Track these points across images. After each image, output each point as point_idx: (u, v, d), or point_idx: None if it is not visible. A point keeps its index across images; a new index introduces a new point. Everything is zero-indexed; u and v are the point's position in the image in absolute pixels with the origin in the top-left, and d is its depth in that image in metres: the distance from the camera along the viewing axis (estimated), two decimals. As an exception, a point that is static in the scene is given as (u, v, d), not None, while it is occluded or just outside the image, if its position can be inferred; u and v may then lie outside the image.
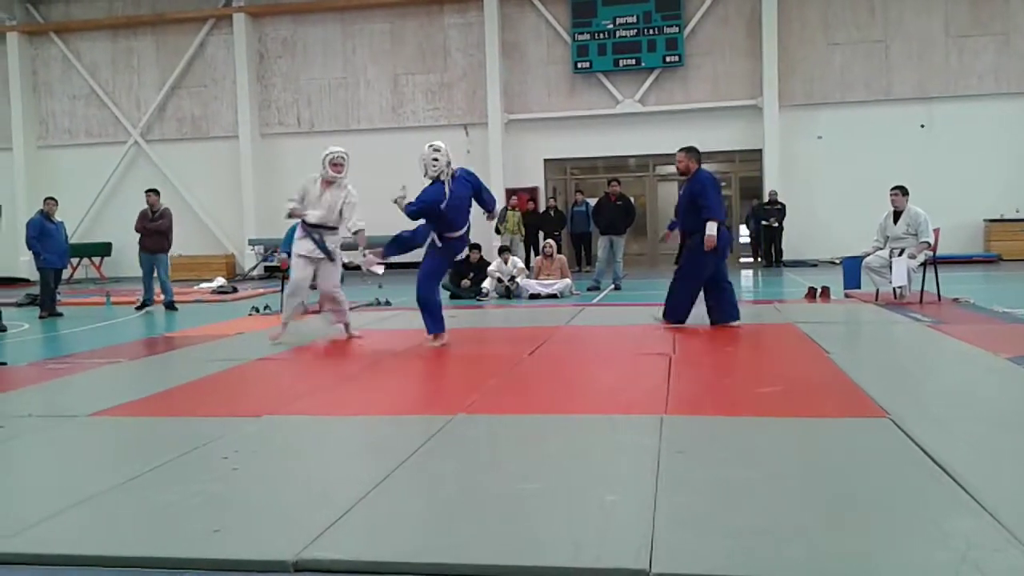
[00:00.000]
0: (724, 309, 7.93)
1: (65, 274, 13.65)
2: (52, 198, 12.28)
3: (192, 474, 3.59)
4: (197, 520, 2.99)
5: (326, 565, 2.56)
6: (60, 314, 11.81)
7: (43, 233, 11.77)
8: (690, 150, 7.99)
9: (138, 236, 12.45)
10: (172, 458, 3.77)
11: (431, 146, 7.13)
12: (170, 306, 12.27)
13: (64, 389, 5.88)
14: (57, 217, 12.10)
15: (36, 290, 12.67)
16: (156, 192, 12.90)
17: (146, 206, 12.57)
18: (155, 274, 12.40)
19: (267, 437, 4.26)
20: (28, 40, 22.15)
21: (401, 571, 2.52)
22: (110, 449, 4.25)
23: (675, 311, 8.01)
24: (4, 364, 7.15)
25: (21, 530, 2.91)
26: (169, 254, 12.78)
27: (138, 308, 12.15)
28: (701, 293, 7.96)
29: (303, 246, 7.67)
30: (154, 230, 12.38)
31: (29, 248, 12.02)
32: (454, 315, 9.98)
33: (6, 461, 4.04)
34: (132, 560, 2.65)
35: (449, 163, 7.09)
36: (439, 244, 7.24)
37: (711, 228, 7.58)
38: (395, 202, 7.10)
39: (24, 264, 18.92)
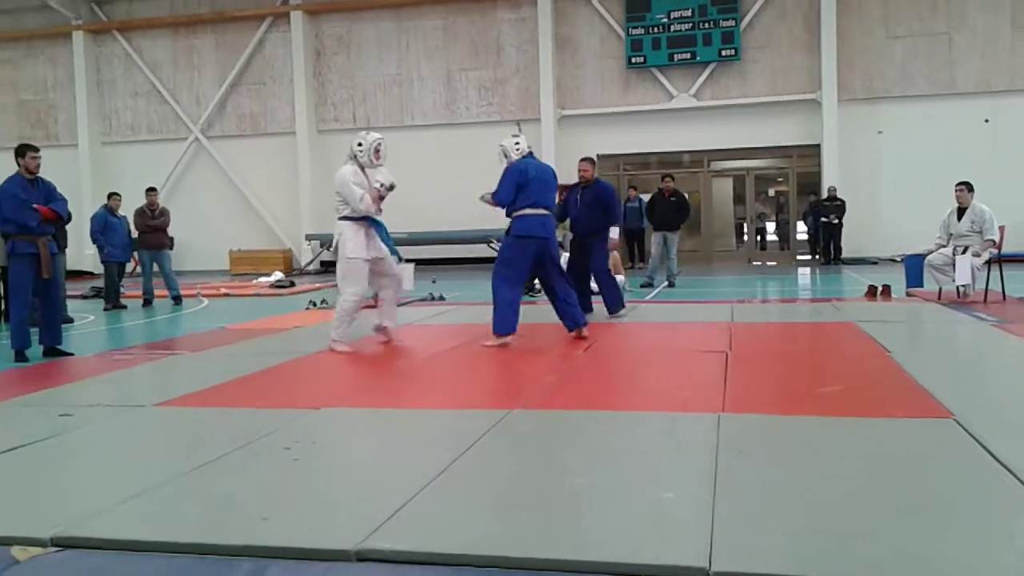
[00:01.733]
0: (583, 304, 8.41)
1: (128, 267, 13.97)
2: (116, 193, 12.62)
3: (255, 464, 3.66)
4: (261, 508, 3.05)
5: (387, 555, 2.59)
6: (124, 306, 12.13)
7: (107, 227, 12.10)
8: (593, 161, 8.97)
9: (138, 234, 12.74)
10: (235, 448, 3.85)
11: (513, 135, 7.47)
12: (177, 300, 12.58)
13: (129, 379, 6.05)
14: (120, 212, 12.43)
15: (101, 283, 13.04)
16: (155, 191, 13.30)
17: (144, 204, 12.86)
18: (155, 270, 12.69)
19: (326, 429, 4.32)
20: (92, 38, 22.74)
21: (460, 563, 2.54)
22: (175, 438, 4.36)
23: (617, 299, 8.77)
24: (71, 355, 7.37)
25: (91, 516, 3.00)
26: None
27: (144, 304, 12.44)
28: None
29: (370, 247, 7.01)
30: (155, 227, 12.66)
31: (93, 242, 12.38)
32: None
33: (77, 449, 4.17)
34: (198, 547, 2.71)
35: (530, 150, 7.39)
36: (513, 230, 7.05)
37: (616, 232, 8.76)
38: (482, 199, 7.29)
39: (89, 258, 19.49)
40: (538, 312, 10.24)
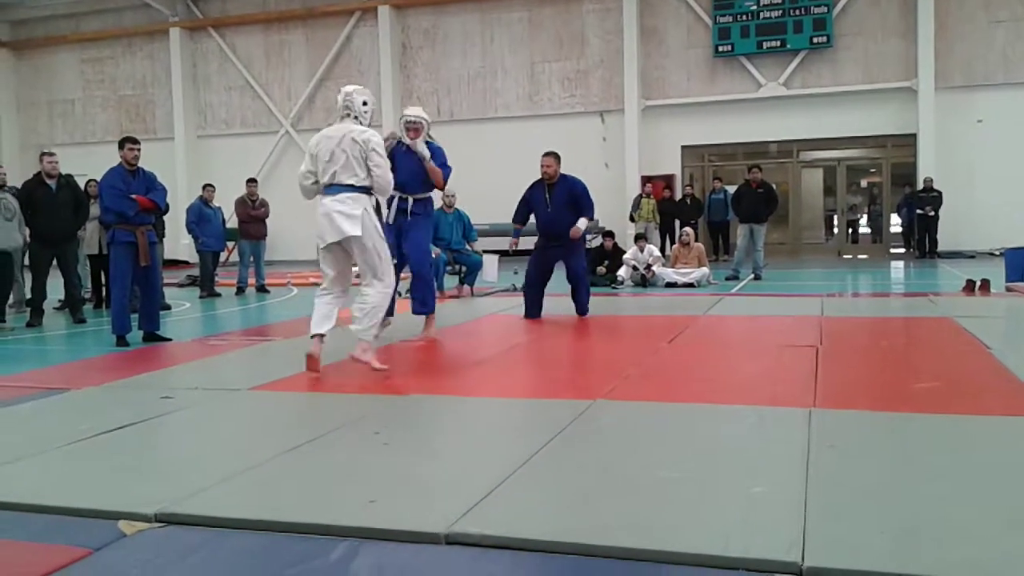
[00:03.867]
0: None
1: (222, 256, 14.48)
2: (210, 185, 13.03)
3: (346, 447, 3.74)
4: (353, 490, 3.13)
5: (476, 539, 2.62)
6: (218, 294, 12.53)
7: (201, 218, 12.51)
8: (557, 156, 8.28)
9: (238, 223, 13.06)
10: (327, 431, 3.95)
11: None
12: (262, 289, 12.90)
13: (225, 364, 6.26)
14: (215, 203, 12.83)
15: (196, 271, 13.50)
16: (255, 182, 13.60)
17: (244, 194, 13.16)
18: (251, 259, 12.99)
19: (414, 414, 4.40)
20: (188, 35, 23.48)
21: (548, 550, 2.55)
22: (270, 421, 4.49)
23: (587, 302, 8.38)
24: (169, 340, 7.65)
25: (193, 493, 3.12)
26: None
27: (238, 292, 12.76)
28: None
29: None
30: (256, 217, 12.96)
31: (189, 232, 12.80)
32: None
33: (178, 430, 4.34)
34: (293, 525, 2.79)
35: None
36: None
37: (584, 223, 8.14)
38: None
39: (184, 247, 20.16)
40: (615, 304, 10.18)
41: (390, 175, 5.72)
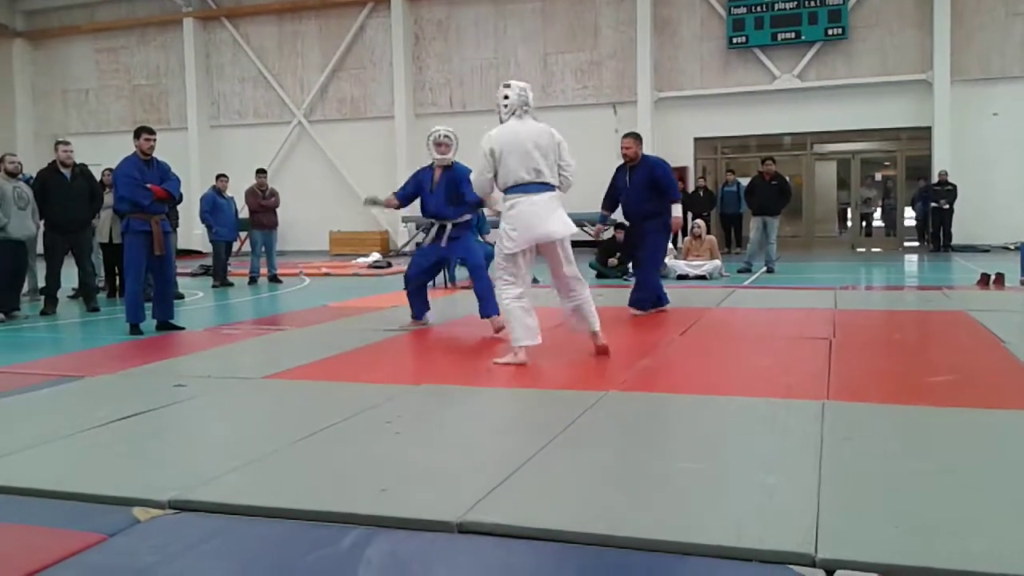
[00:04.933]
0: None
1: (235, 247, 14.52)
2: (223, 175, 13.07)
3: (359, 436, 3.76)
4: (366, 479, 3.14)
5: (488, 528, 2.63)
6: (231, 284, 12.58)
7: (215, 208, 12.55)
8: (638, 136, 8.04)
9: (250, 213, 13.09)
10: (339, 420, 3.96)
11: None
12: (274, 279, 12.91)
13: (238, 353, 6.28)
14: (228, 193, 12.86)
15: (209, 261, 13.55)
16: (265, 172, 13.74)
17: (254, 184, 13.21)
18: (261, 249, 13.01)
19: (426, 404, 4.40)
20: (202, 25, 23.51)
21: (561, 539, 2.55)
22: (282, 409, 4.51)
23: (651, 297, 7.92)
24: (183, 329, 7.69)
25: (206, 480, 3.14)
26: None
27: (250, 282, 12.79)
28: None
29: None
30: (267, 207, 12.99)
31: (202, 221, 12.84)
32: (600, 294, 9.96)
33: (191, 417, 4.36)
34: (305, 513, 2.81)
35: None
36: None
37: (678, 210, 7.83)
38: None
39: (197, 237, 20.24)
40: (627, 296, 10.15)
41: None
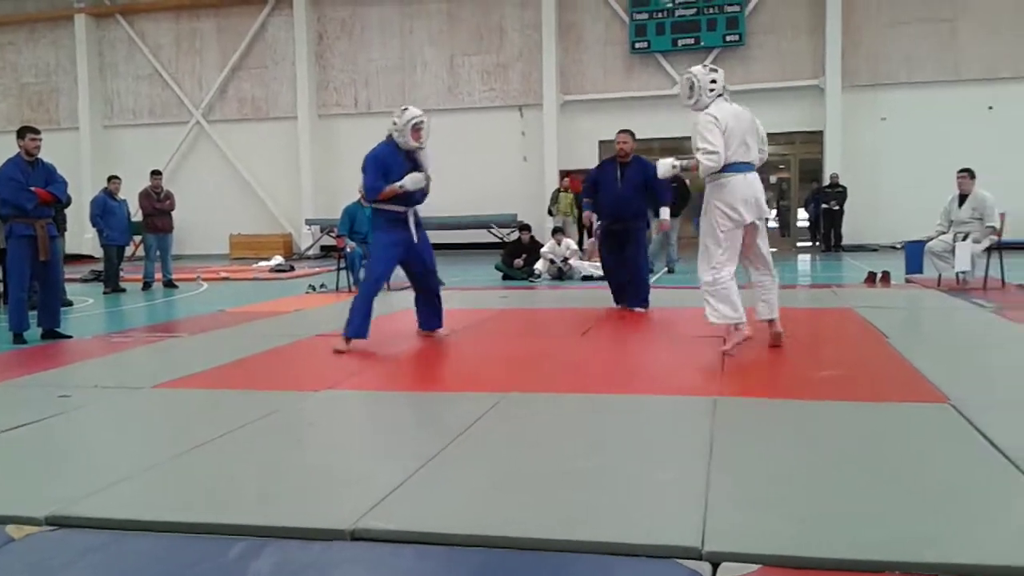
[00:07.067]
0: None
1: (128, 251, 13.99)
2: (116, 177, 12.60)
3: (252, 445, 3.66)
4: (257, 488, 3.06)
5: (381, 534, 2.60)
6: (123, 290, 12.14)
7: (106, 211, 12.09)
8: (633, 133, 7.94)
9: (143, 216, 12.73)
10: (233, 429, 3.85)
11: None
12: (169, 284, 12.64)
13: (128, 362, 6.05)
14: (120, 195, 12.41)
15: (101, 266, 13.04)
16: (160, 174, 13.28)
17: (148, 186, 12.84)
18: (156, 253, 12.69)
19: (325, 411, 4.33)
20: (95, 22, 22.67)
21: (453, 543, 2.54)
22: (173, 420, 4.36)
23: (647, 293, 8.07)
24: (70, 337, 7.38)
25: (87, 495, 3.01)
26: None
27: (144, 287, 12.47)
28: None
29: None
30: (162, 211, 12.66)
31: (93, 225, 12.36)
32: (505, 295, 10.01)
33: (74, 430, 4.17)
34: (190, 526, 2.72)
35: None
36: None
37: (667, 213, 7.98)
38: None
39: (88, 241, 19.49)
40: (532, 297, 10.24)
41: None
